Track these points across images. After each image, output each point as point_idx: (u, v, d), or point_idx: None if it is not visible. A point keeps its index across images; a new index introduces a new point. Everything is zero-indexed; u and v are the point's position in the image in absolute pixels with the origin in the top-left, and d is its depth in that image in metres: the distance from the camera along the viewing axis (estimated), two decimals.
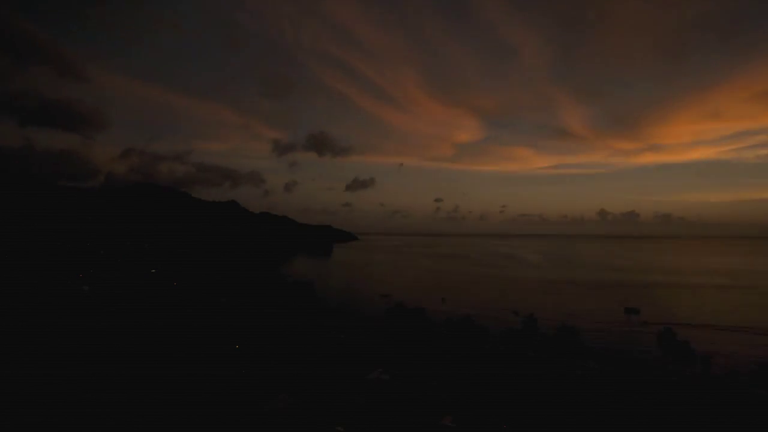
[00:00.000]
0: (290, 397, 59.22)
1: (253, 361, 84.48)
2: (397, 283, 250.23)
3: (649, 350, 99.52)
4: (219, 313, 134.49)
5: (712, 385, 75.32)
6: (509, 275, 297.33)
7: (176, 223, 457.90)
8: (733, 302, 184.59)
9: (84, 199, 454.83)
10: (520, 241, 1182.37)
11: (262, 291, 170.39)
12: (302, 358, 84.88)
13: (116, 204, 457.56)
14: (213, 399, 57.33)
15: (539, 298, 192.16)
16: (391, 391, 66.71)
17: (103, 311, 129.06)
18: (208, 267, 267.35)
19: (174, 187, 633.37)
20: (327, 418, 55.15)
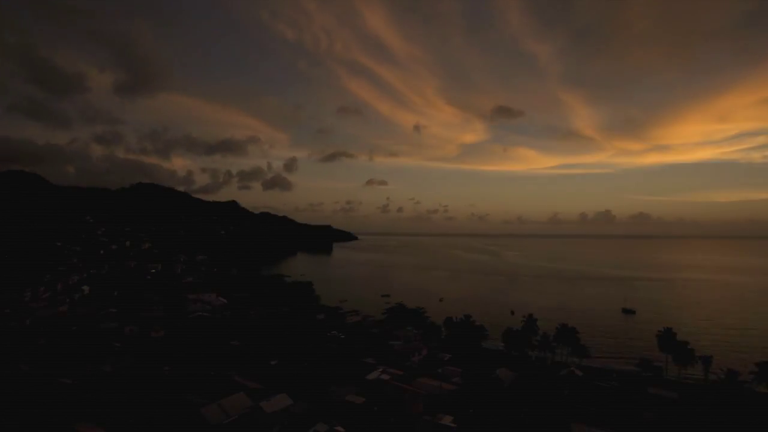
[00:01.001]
0: (290, 397, 59.14)
1: (252, 361, 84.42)
2: (396, 282, 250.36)
3: (649, 350, 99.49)
4: (219, 313, 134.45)
5: (712, 384, 75.36)
6: (505, 275, 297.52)
7: (176, 222, 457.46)
8: (732, 301, 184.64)
9: (83, 198, 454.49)
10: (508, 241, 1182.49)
11: (261, 291, 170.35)
12: (302, 358, 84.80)
13: (115, 204, 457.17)
14: (212, 399, 57.17)
15: (537, 297, 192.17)
16: (391, 391, 66.58)
17: (103, 312, 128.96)
18: (207, 266, 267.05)
19: (173, 187, 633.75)
20: (327, 417, 55.10)
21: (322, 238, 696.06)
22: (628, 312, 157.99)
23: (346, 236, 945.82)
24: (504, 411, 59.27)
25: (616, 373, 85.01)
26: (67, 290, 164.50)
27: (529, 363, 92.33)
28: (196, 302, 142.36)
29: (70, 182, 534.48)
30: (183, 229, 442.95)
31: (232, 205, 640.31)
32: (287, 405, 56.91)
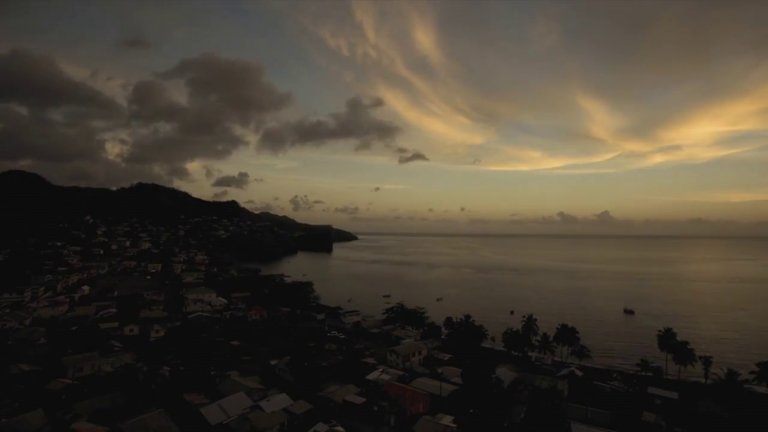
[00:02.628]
0: (290, 397, 59.14)
1: (253, 361, 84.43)
2: (396, 282, 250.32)
3: (649, 350, 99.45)
4: (219, 313, 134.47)
5: (712, 384, 75.27)
6: (501, 275, 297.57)
7: (176, 222, 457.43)
8: (730, 302, 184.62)
9: (83, 198, 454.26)
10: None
11: (261, 291, 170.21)
12: (302, 358, 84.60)
13: (115, 204, 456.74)
14: (212, 399, 57.19)
15: (534, 297, 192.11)
16: (391, 391, 66.52)
17: (103, 312, 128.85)
18: (207, 266, 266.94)
19: (173, 188, 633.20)
20: (327, 417, 55.12)
21: (322, 237, 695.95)
22: (628, 312, 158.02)
23: (347, 236, 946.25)
24: (504, 411, 59.23)
25: (616, 373, 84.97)
26: (67, 290, 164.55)
27: (529, 363, 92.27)
28: (196, 302, 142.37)
29: (70, 182, 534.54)
30: (183, 229, 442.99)
31: (232, 205, 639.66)
32: (287, 405, 56.93)
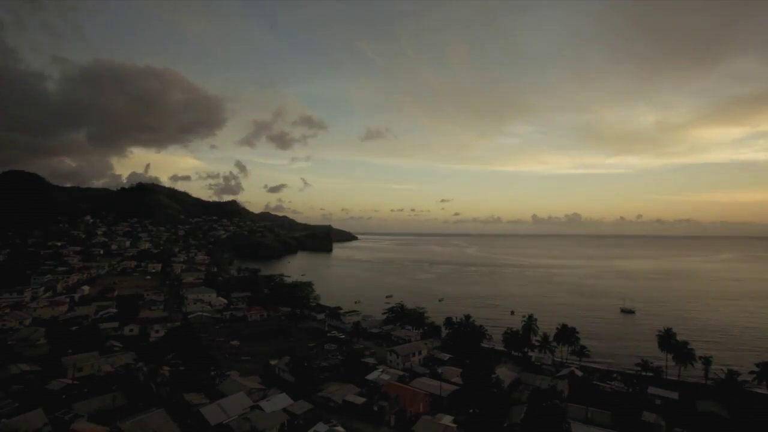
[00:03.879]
0: (290, 396, 59.14)
1: (253, 361, 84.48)
2: (397, 282, 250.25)
3: (649, 350, 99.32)
4: (219, 313, 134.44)
5: (712, 384, 75.24)
6: (499, 275, 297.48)
7: (175, 222, 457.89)
8: (729, 302, 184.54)
9: (83, 198, 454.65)
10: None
11: (261, 291, 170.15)
12: (302, 358, 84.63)
13: (115, 204, 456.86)
14: (212, 399, 57.17)
15: (533, 297, 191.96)
16: (392, 391, 66.50)
17: (103, 312, 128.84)
18: (207, 266, 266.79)
19: (173, 188, 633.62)
20: (327, 417, 55.13)
21: (322, 237, 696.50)
22: (627, 312, 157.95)
23: (347, 236, 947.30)
24: (504, 411, 59.21)
25: (616, 373, 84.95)
26: (67, 290, 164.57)
27: (529, 363, 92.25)
28: (196, 302, 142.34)
29: (70, 182, 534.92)
30: (183, 229, 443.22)
31: (232, 205, 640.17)
32: (287, 405, 56.92)
